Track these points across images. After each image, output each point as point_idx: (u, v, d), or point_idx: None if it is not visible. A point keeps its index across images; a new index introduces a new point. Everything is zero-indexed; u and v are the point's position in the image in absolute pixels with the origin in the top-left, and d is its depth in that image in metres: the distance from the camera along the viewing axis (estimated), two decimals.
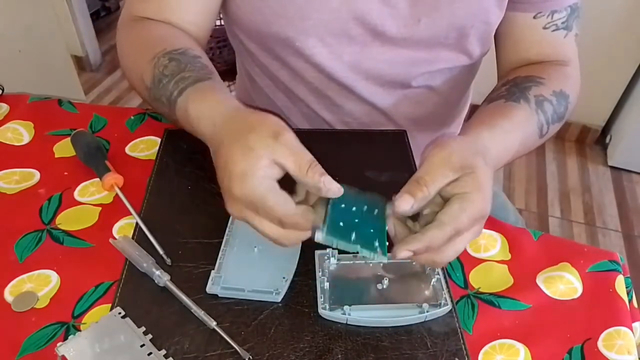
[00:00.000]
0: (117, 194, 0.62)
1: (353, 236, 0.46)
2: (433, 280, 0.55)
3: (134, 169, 0.66)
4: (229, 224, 0.59)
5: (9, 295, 0.53)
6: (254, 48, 0.75)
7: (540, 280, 0.59)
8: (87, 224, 0.60)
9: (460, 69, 0.77)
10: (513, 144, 0.61)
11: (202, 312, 0.51)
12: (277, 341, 0.50)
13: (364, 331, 0.51)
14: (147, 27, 0.66)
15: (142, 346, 0.48)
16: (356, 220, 0.47)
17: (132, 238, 0.58)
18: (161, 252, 0.56)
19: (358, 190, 0.49)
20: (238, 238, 0.58)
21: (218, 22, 1.01)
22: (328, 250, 0.56)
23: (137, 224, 0.59)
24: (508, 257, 0.61)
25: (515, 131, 0.61)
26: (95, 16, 2.42)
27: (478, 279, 0.59)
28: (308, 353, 0.49)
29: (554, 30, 0.71)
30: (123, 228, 0.60)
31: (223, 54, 1.12)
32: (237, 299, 0.53)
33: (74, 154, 0.68)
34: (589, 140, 2.16)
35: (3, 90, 0.75)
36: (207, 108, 0.53)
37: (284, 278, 0.54)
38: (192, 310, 0.51)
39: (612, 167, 2.05)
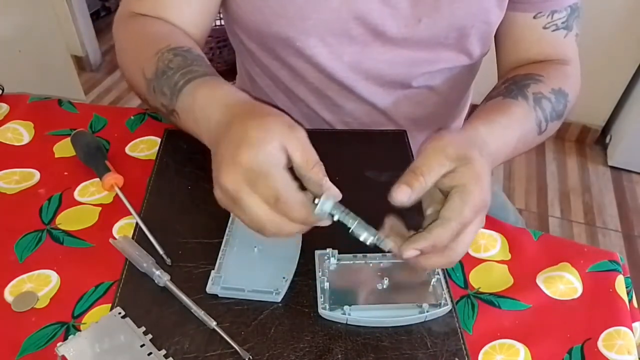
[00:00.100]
0: (117, 194, 0.62)
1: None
2: (433, 280, 0.55)
3: (134, 169, 0.67)
4: (229, 224, 0.59)
5: (9, 295, 0.53)
6: (255, 48, 0.75)
7: (540, 280, 0.59)
8: (87, 224, 0.60)
9: (461, 69, 0.77)
10: (511, 140, 0.61)
11: (202, 312, 0.51)
12: (277, 341, 0.50)
13: (364, 331, 0.51)
14: (149, 23, 0.66)
15: (142, 346, 0.48)
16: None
17: (132, 238, 0.58)
18: (161, 252, 0.56)
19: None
20: (238, 238, 0.58)
21: (218, 22, 1.02)
22: (328, 250, 0.56)
23: (137, 224, 0.59)
24: (508, 257, 0.61)
25: (513, 127, 0.61)
26: (95, 16, 2.43)
27: (478, 279, 0.59)
28: (308, 353, 0.49)
29: (554, 30, 0.71)
30: (123, 228, 0.60)
31: (223, 54, 1.12)
32: (237, 299, 0.53)
33: (74, 154, 0.67)
34: (589, 140, 2.16)
35: (3, 90, 0.75)
36: (220, 95, 0.52)
37: (284, 278, 0.54)
38: (192, 310, 0.51)
39: (612, 167, 2.05)
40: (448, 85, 0.79)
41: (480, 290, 0.58)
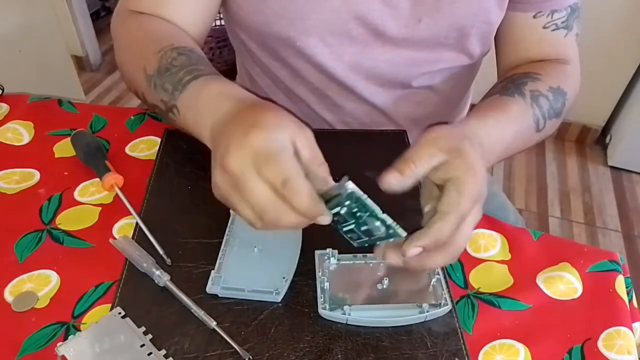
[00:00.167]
0: (117, 194, 0.62)
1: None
2: (433, 280, 0.55)
3: (134, 169, 0.67)
4: (229, 224, 0.59)
5: (9, 295, 0.53)
6: (255, 48, 0.75)
7: (540, 280, 0.59)
8: (87, 224, 0.60)
9: (461, 69, 0.77)
10: (507, 135, 0.61)
11: (202, 312, 0.51)
12: (277, 341, 0.50)
13: (364, 331, 0.51)
14: (150, 22, 0.66)
15: (142, 346, 0.48)
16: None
17: (132, 238, 0.58)
18: (161, 252, 0.56)
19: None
20: (238, 238, 0.58)
21: (218, 22, 1.02)
22: (328, 250, 0.56)
23: (137, 224, 0.59)
24: (508, 257, 0.61)
25: (508, 122, 0.61)
26: (95, 16, 2.43)
27: (478, 279, 0.59)
28: (308, 353, 0.49)
29: (554, 30, 0.71)
30: (123, 228, 0.60)
31: (223, 54, 1.12)
32: (237, 299, 0.53)
33: (74, 154, 0.67)
34: (589, 140, 2.16)
35: (3, 90, 0.75)
36: (233, 90, 0.51)
37: (284, 278, 0.54)
38: (192, 310, 0.51)
39: (612, 167, 2.05)
40: (448, 85, 0.79)
41: (480, 290, 0.58)
